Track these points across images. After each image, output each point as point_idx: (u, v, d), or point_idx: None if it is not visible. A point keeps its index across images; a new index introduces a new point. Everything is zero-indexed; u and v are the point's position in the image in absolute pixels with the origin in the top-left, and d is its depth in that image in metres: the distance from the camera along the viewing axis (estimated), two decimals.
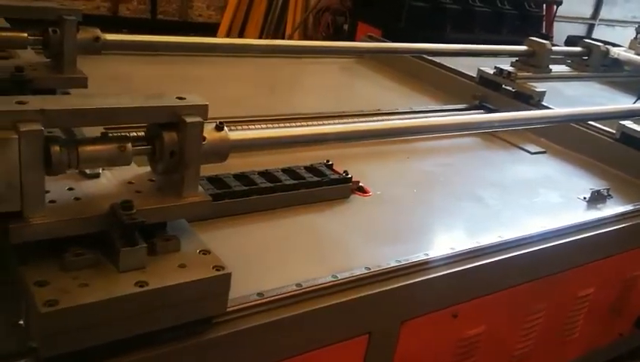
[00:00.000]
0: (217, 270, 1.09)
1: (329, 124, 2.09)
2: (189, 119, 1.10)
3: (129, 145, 1.09)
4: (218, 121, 1.20)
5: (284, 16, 8.09)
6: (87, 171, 1.16)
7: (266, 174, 1.70)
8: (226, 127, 1.20)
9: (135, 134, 1.17)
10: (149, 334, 1.06)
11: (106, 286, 1.00)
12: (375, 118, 2.44)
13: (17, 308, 1.05)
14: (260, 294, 1.26)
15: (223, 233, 1.52)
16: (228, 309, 1.16)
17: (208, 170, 1.39)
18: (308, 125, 2.08)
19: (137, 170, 1.21)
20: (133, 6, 8.40)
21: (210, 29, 8.18)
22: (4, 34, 1.69)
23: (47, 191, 1.08)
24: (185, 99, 1.13)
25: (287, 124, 2.17)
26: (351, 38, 7.06)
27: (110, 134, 1.10)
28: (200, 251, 1.14)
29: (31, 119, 0.97)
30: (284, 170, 1.74)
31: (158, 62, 2.70)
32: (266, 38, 7.67)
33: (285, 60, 3.23)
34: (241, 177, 1.66)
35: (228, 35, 7.90)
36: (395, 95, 3.02)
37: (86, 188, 1.13)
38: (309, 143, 1.40)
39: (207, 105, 1.13)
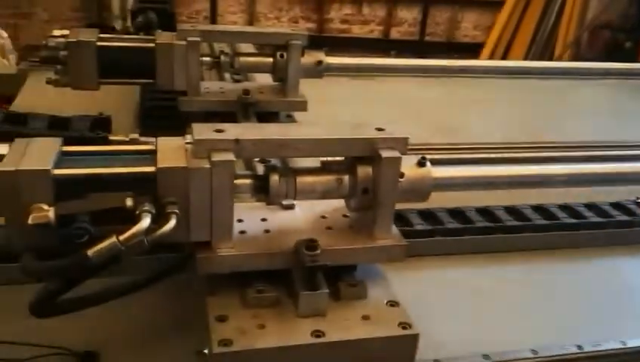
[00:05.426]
0: (404, 328, 0.95)
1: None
2: (385, 154, 0.98)
3: (346, 177, 1.02)
4: (421, 155, 1.06)
5: (555, 34, 7.54)
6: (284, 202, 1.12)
7: (484, 213, 1.50)
8: (429, 163, 1.05)
9: None
10: None
11: (282, 332, 0.94)
12: None
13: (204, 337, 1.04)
14: (485, 356, 1.08)
15: (422, 275, 1.37)
16: None
17: None
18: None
19: (333, 203, 1.13)
20: (403, 29, 8.83)
21: (474, 50, 8.19)
22: (249, 59, 1.76)
23: (241, 221, 1.07)
24: (384, 130, 1.02)
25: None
26: (633, 58, 6.24)
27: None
28: (388, 302, 1.01)
29: (225, 148, 0.95)
30: (506, 209, 1.52)
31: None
32: (532, 58, 7.37)
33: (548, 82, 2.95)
34: (457, 213, 1.49)
35: (492, 56, 7.68)
36: None
37: (278, 220, 1.09)
38: (532, 186, 1.18)
39: (407, 138, 1.00)
